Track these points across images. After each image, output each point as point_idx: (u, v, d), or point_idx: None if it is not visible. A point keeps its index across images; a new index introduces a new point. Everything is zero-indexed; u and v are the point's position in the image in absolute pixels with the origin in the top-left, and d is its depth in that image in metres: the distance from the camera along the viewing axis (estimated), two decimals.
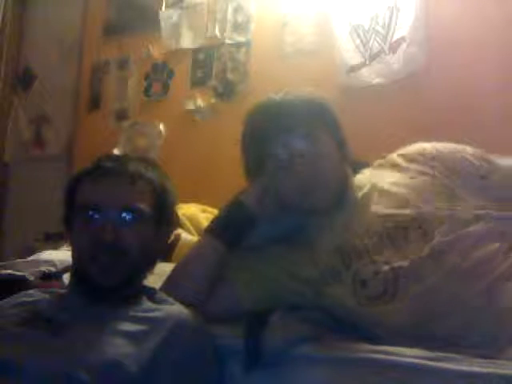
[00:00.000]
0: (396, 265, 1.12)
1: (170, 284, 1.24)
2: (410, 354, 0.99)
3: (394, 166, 1.30)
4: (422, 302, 1.08)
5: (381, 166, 1.34)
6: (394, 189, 1.23)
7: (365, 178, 1.31)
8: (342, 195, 1.24)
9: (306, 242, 1.26)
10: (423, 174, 1.25)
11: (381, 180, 1.27)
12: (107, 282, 1.10)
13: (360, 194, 1.27)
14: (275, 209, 1.27)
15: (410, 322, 1.08)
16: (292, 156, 1.21)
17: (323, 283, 1.19)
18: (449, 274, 1.09)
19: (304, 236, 1.27)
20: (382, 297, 1.11)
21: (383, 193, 1.24)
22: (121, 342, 1.03)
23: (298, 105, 1.27)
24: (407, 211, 1.18)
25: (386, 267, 1.13)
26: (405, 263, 1.12)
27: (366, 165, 1.35)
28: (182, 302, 1.14)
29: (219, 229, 1.28)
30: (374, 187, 1.26)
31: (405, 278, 1.11)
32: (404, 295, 1.09)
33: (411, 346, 1.01)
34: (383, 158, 1.36)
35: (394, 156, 1.33)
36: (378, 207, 1.23)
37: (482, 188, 1.23)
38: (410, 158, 1.29)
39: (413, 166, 1.27)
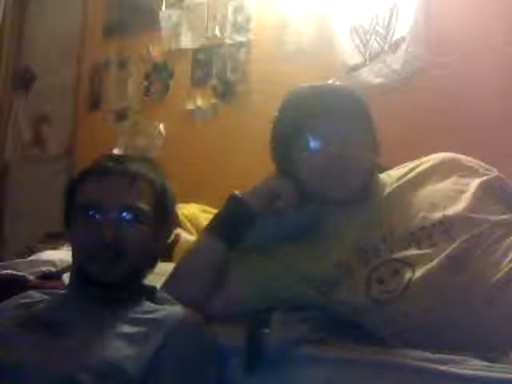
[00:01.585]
0: (417, 267, 1.11)
1: (171, 283, 1.24)
2: (411, 356, 0.99)
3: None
4: (432, 304, 1.08)
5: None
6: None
7: (389, 178, 1.30)
8: (367, 188, 1.23)
9: (319, 237, 1.24)
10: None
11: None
12: (107, 280, 1.11)
13: (385, 194, 1.26)
14: (299, 200, 1.24)
15: (417, 323, 1.07)
16: (329, 139, 1.21)
17: (334, 281, 1.17)
18: (460, 280, 1.09)
19: (319, 232, 1.25)
20: (395, 291, 1.10)
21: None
22: (121, 344, 1.03)
23: (336, 91, 1.31)
24: (435, 214, 1.18)
25: (406, 268, 1.12)
26: (424, 266, 1.11)
27: (389, 169, 1.35)
28: (183, 302, 1.15)
29: (219, 227, 1.27)
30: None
31: (421, 279, 1.10)
32: (416, 291, 1.09)
33: (414, 347, 1.01)
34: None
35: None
36: (404, 207, 1.22)
37: None
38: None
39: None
